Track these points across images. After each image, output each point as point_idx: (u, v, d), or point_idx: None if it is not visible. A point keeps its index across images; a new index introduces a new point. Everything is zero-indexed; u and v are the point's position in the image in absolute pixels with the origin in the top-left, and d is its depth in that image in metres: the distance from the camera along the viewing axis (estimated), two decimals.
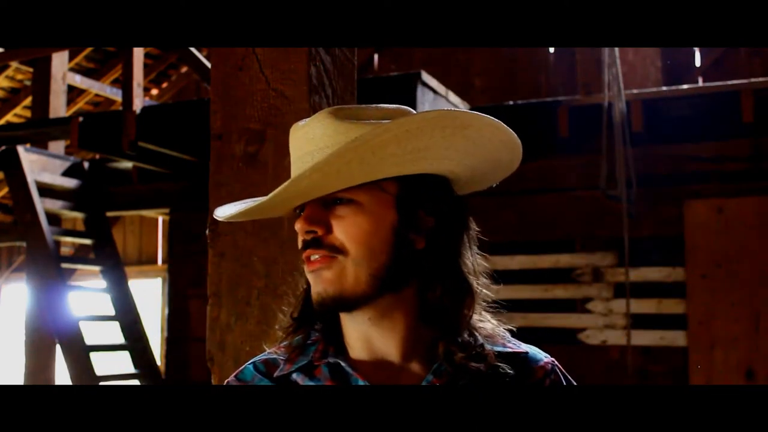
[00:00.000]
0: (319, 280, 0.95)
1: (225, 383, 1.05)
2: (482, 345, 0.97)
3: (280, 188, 0.95)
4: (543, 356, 1.04)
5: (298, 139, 0.99)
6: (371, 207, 0.95)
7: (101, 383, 4.49)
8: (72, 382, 4.52)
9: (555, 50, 5.91)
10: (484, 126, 0.95)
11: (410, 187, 0.97)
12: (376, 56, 6.52)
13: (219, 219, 1.07)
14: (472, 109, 4.28)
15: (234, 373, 1.06)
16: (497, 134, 0.97)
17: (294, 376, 1.00)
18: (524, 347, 1.03)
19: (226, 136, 1.64)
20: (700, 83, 5.30)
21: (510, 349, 1.01)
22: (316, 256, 0.95)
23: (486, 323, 1.01)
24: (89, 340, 4.62)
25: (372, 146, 0.91)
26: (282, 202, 0.98)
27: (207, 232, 1.65)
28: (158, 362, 5.17)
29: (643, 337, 4.27)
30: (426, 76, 3.85)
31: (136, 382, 4.87)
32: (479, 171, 1.02)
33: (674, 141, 4.36)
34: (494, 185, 1.09)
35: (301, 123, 1.00)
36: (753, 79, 4.25)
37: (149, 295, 7.77)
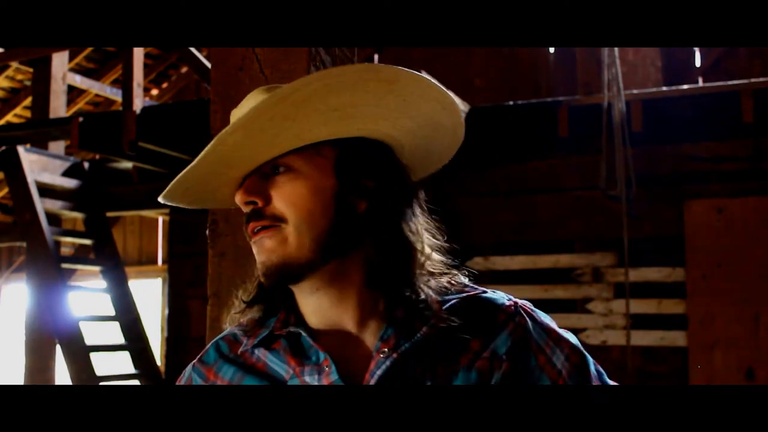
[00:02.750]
0: (262, 249, 0.95)
1: (190, 365, 1.04)
2: (425, 301, 0.95)
3: (205, 150, 0.92)
4: (506, 299, 1.00)
5: (232, 117, 0.99)
6: (308, 172, 0.94)
7: (101, 383, 4.49)
8: (72, 382, 4.52)
9: (555, 50, 5.91)
10: (411, 81, 0.93)
11: (347, 150, 0.96)
12: (376, 56, 6.52)
13: (162, 201, 1.05)
14: (472, 109, 4.31)
15: (198, 355, 1.05)
16: (429, 91, 0.95)
17: (256, 351, 0.99)
18: (481, 288, 1.02)
19: None
20: (700, 83, 5.30)
21: (467, 293, 0.99)
22: (259, 227, 0.94)
23: (438, 278, 0.99)
24: (89, 340, 4.62)
25: (293, 101, 0.89)
26: (212, 174, 0.96)
27: (207, 232, 1.65)
28: (158, 362, 5.17)
29: (643, 338, 4.27)
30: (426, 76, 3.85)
31: (136, 382, 4.88)
32: (420, 136, 1.00)
33: (674, 141, 4.36)
34: (447, 163, 1.07)
35: (237, 107, 1.00)
36: (753, 80, 4.25)
37: (149, 295, 7.77)
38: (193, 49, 4.57)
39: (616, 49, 3.95)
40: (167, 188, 1.00)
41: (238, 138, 0.91)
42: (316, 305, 0.97)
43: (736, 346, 4.09)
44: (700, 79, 5.41)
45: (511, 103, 4.54)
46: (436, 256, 1.00)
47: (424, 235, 0.99)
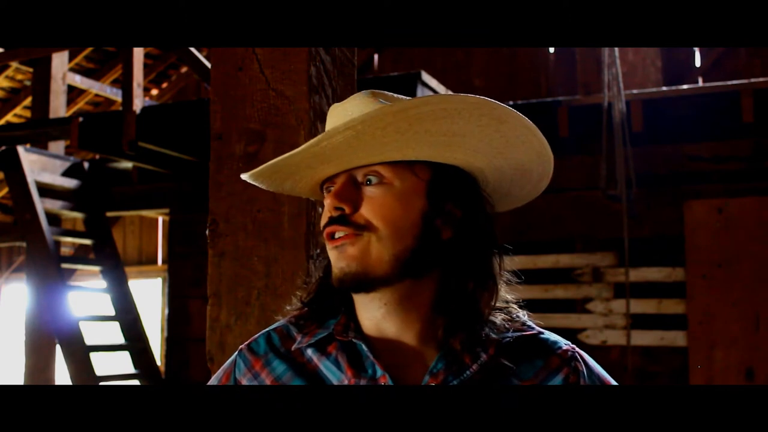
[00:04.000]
0: (343, 256, 0.94)
1: (238, 350, 1.05)
2: (483, 337, 0.96)
3: (310, 141, 0.93)
4: (563, 343, 1.01)
5: (335, 116, 0.99)
6: (402, 190, 0.95)
7: (101, 383, 4.49)
8: (72, 382, 4.52)
9: (555, 50, 5.91)
10: (519, 126, 0.95)
11: (442, 175, 0.97)
12: (376, 56, 6.52)
13: (247, 180, 1.05)
14: None
15: (248, 341, 1.05)
16: (531, 139, 0.97)
17: (309, 352, 0.99)
18: (539, 329, 1.02)
19: (226, 136, 1.64)
20: (700, 83, 5.30)
21: (524, 333, 1.00)
22: (341, 233, 0.94)
23: (500, 313, 1.00)
24: (89, 340, 4.62)
25: (409, 117, 0.90)
26: (311, 162, 0.96)
27: (207, 232, 1.65)
28: (158, 362, 5.17)
29: (643, 337, 4.27)
30: (426, 76, 3.86)
31: (136, 382, 4.88)
32: (507, 178, 1.03)
33: (674, 141, 4.36)
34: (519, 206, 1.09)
35: (338, 103, 1.00)
36: (753, 79, 4.25)
37: (149, 295, 7.78)
38: (193, 49, 4.57)
39: (616, 49, 3.95)
40: (260, 168, 1.00)
41: (345, 138, 0.91)
42: (378, 318, 0.97)
43: (736, 346, 4.09)
44: (700, 79, 5.41)
45: (511, 103, 4.54)
46: (503, 292, 1.01)
47: (502, 274, 1.00)
